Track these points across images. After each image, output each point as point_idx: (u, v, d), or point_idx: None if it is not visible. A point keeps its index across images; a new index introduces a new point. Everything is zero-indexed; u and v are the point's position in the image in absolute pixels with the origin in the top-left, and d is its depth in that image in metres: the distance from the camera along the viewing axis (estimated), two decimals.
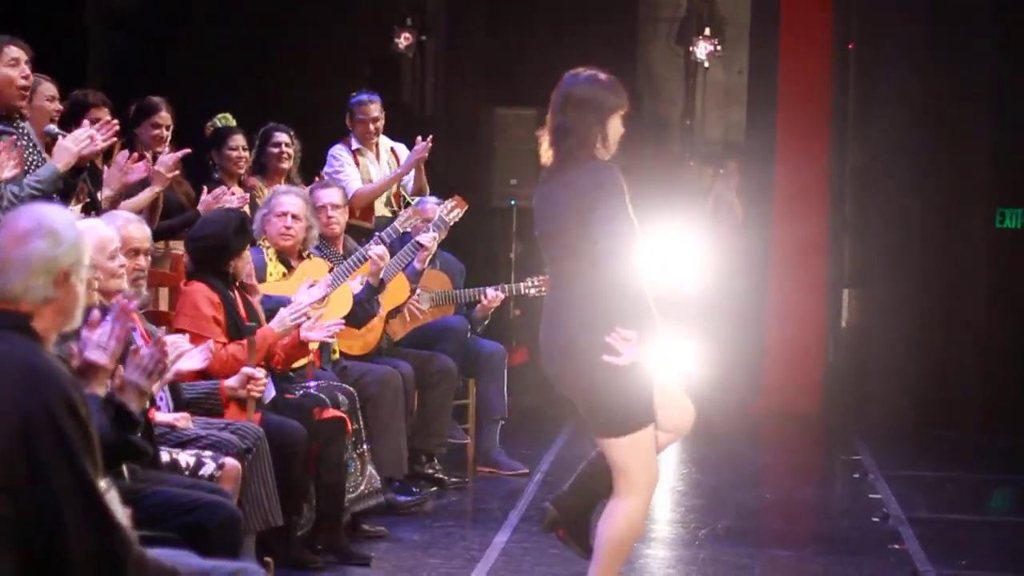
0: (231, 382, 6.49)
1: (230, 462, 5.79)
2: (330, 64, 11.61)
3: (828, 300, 12.31)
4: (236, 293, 7.07)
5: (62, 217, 3.76)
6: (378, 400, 7.96)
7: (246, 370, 6.52)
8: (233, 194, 8.08)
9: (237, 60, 11.05)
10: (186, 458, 5.71)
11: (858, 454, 10.06)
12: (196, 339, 6.69)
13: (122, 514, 3.71)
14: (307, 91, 11.11)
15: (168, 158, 7.81)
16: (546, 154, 5.61)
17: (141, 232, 6.07)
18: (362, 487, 7.49)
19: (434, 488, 8.62)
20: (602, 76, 5.65)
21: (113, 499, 3.74)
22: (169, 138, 8.36)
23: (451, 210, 8.80)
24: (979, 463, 10.18)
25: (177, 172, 7.91)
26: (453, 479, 8.92)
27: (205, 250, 7.06)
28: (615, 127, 5.60)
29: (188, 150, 7.98)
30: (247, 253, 7.09)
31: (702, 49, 13.65)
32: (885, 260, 11.85)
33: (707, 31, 13.56)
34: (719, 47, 13.69)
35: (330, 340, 7.46)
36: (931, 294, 11.57)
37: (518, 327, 11.07)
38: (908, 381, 11.45)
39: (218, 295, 6.91)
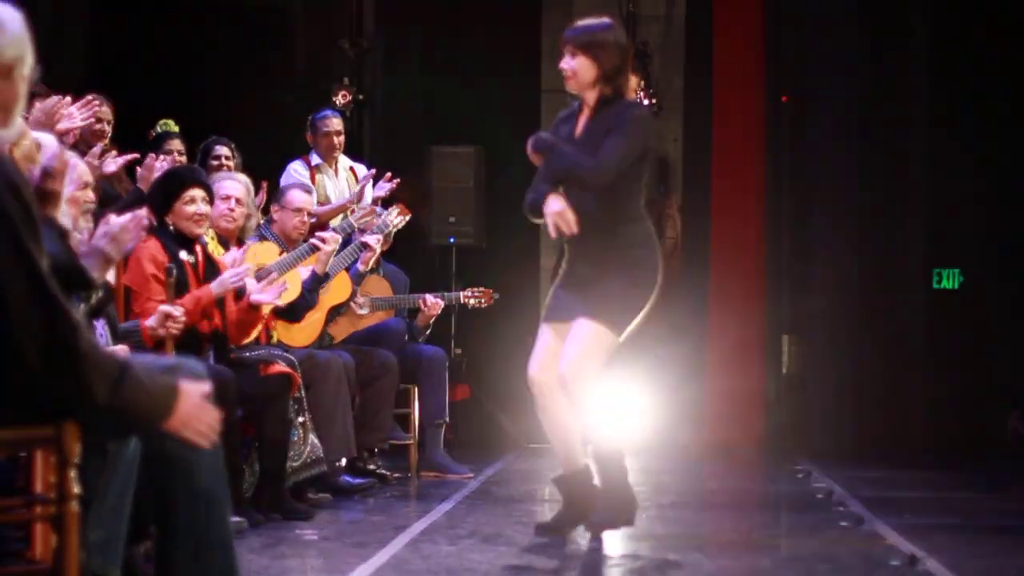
0: (150, 322, 6.49)
1: None
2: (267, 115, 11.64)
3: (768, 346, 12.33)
4: (198, 256, 7.07)
5: (8, 12, 3.71)
6: (321, 385, 7.85)
7: (163, 308, 6.50)
8: (164, 160, 8.06)
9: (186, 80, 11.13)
10: None
11: (800, 464, 10.06)
12: (136, 296, 6.78)
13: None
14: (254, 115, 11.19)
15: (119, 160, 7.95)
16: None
17: (87, 168, 6.13)
18: (305, 455, 7.45)
19: (377, 482, 8.55)
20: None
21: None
22: (110, 134, 8.40)
23: (395, 216, 8.88)
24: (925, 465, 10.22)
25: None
26: (396, 475, 8.87)
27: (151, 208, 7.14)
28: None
29: (136, 155, 8.04)
30: (183, 208, 7.01)
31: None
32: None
33: (642, 84, 13.64)
34: (655, 103, 13.78)
35: (279, 304, 7.40)
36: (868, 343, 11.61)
37: (458, 367, 11.00)
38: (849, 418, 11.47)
39: (167, 255, 6.89)
